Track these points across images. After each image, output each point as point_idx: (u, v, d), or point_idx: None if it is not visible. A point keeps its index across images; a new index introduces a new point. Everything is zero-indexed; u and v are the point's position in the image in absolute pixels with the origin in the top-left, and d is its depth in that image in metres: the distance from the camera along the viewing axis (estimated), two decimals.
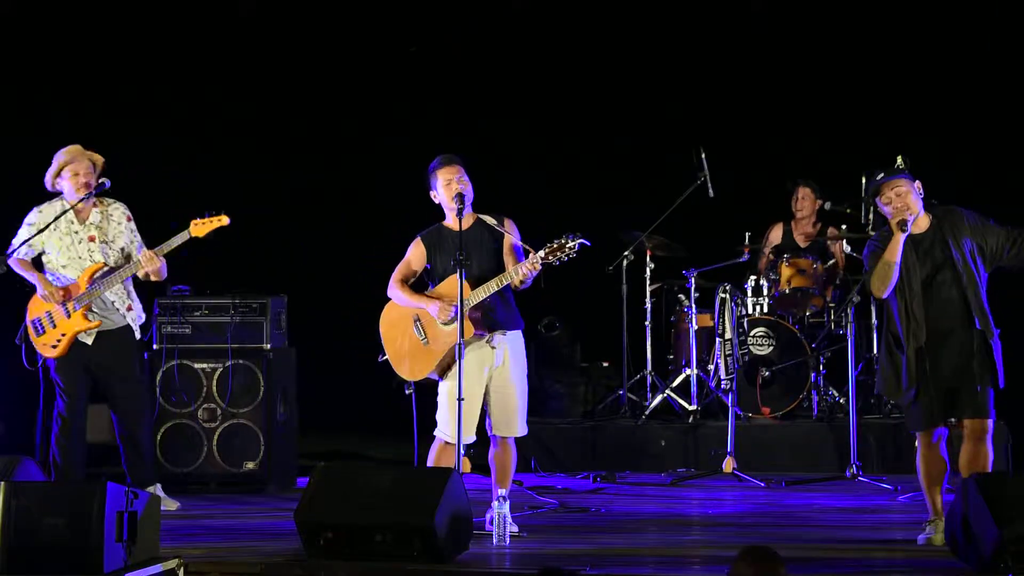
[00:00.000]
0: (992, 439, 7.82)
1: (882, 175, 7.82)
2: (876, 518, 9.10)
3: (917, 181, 7.86)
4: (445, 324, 8.22)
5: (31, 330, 9.11)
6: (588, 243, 8.10)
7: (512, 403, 8.28)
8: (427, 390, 8.41)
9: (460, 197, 8.23)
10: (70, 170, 9.03)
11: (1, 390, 10.32)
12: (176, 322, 10.22)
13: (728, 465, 10.34)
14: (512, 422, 8.30)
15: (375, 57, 12.83)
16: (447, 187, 8.29)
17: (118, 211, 9.18)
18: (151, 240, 9.18)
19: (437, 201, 8.38)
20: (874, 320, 11.42)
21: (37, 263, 9.15)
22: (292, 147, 12.80)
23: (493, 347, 8.24)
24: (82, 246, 9.06)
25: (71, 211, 9.01)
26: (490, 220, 8.34)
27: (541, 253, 8.10)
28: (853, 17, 12.33)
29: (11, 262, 9.01)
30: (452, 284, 8.19)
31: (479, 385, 8.22)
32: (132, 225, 9.19)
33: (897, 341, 7.82)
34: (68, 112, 12.19)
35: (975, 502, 6.99)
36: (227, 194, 12.26)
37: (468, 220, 8.25)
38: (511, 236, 8.32)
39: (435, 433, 8.30)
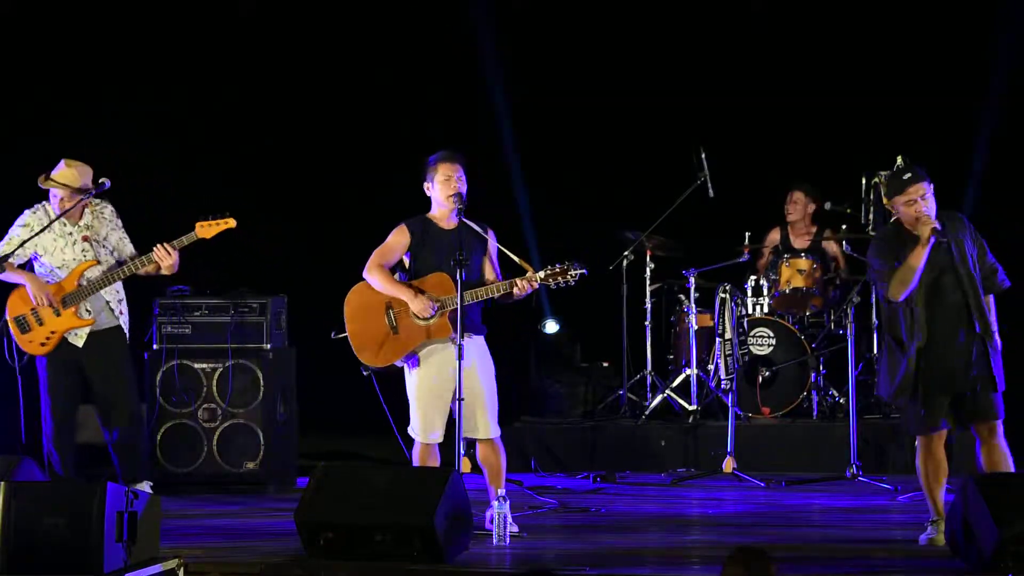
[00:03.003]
0: (1004, 437, 7.84)
1: (910, 175, 7.77)
2: (876, 518, 9.10)
3: (932, 184, 7.88)
4: (422, 320, 8.20)
5: (14, 327, 9.10)
6: (587, 273, 8.12)
7: (479, 404, 8.24)
8: (395, 382, 8.41)
9: (460, 197, 8.22)
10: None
11: None
12: (176, 322, 10.22)
13: (728, 465, 10.34)
14: (480, 424, 8.26)
15: (375, 57, 12.82)
16: (445, 183, 8.26)
17: (108, 210, 9.22)
18: (149, 240, 9.17)
19: (429, 193, 8.36)
20: (874, 320, 11.42)
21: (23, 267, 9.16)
22: (292, 147, 12.79)
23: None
24: (76, 247, 9.09)
25: (63, 213, 9.03)
26: (474, 226, 8.32)
27: (541, 274, 8.11)
28: (853, 17, 12.33)
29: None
30: (439, 281, 8.18)
31: (447, 384, 8.19)
32: (120, 222, 9.22)
33: (898, 342, 7.81)
34: (66, 111, 12.18)
35: (975, 502, 6.99)
36: (227, 193, 12.29)
37: (454, 220, 8.26)
38: (492, 247, 8.33)
39: (408, 432, 8.31)
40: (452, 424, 8.22)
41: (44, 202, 9.16)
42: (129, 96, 12.44)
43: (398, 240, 8.35)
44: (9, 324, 9.10)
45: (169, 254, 8.94)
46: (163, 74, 12.52)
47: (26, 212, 9.17)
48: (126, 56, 12.42)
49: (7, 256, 9.02)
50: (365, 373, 8.40)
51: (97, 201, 9.18)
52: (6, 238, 9.14)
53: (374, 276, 8.31)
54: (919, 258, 7.70)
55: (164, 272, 9.07)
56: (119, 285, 9.19)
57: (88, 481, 7.78)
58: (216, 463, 10.17)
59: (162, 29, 12.49)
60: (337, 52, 12.74)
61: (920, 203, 7.74)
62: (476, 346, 8.28)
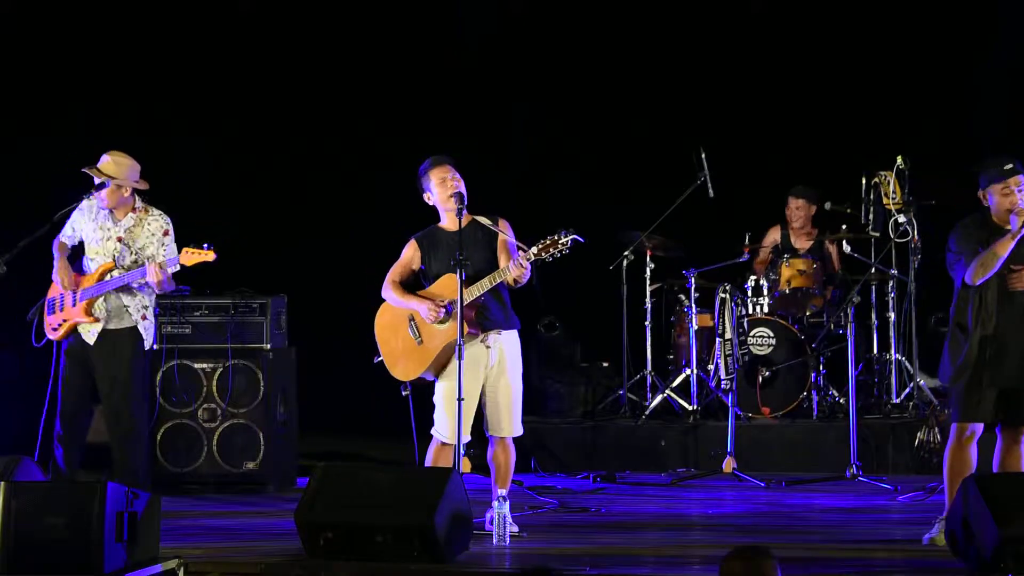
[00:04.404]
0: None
1: (1011, 165, 7.73)
2: (876, 518, 9.10)
3: None
4: (437, 324, 8.20)
5: (45, 308, 9.11)
6: (581, 239, 8.06)
7: (505, 403, 8.26)
8: (424, 391, 8.40)
9: (460, 196, 8.20)
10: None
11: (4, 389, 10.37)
12: (176, 322, 10.23)
13: (728, 465, 10.34)
14: (506, 422, 8.28)
15: (376, 56, 12.83)
16: (442, 186, 8.25)
17: (157, 222, 9.05)
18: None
19: (431, 203, 8.35)
20: (874, 320, 11.44)
21: (78, 250, 9.15)
22: (292, 146, 12.79)
23: (488, 346, 8.21)
24: (109, 243, 9.05)
25: (109, 210, 9.00)
26: (485, 221, 8.31)
27: (534, 250, 8.07)
28: (852, 18, 12.33)
29: (54, 243, 9.04)
30: (445, 284, 8.18)
31: (475, 385, 8.19)
32: (167, 240, 9.02)
33: (962, 327, 7.78)
34: (66, 111, 12.18)
35: (975, 502, 6.99)
36: (226, 193, 12.30)
37: (463, 220, 8.22)
38: (506, 235, 8.31)
39: (432, 432, 8.30)
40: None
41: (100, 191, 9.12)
42: (127, 94, 12.44)
43: (409, 255, 8.39)
44: (43, 306, 9.13)
45: (157, 271, 8.86)
46: (162, 71, 12.51)
47: (84, 197, 9.13)
48: (124, 54, 12.41)
49: (58, 234, 9.07)
50: (404, 393, 8.36)
51: (152, 210, 9.06)
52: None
53: (388, 292, 8.36)
54: (1005, 247, 7.68)
55: (155, 289, 9.00)
56: (151, 299, 9.09)
57: (88, 481, 7.77)
58: (216, 463, 10.17)
59: (162, 26, 12.48)
60: (338, 50, 12.74)
61: (1017, 194, 7.75)
62: (506, 342, 8.27)
